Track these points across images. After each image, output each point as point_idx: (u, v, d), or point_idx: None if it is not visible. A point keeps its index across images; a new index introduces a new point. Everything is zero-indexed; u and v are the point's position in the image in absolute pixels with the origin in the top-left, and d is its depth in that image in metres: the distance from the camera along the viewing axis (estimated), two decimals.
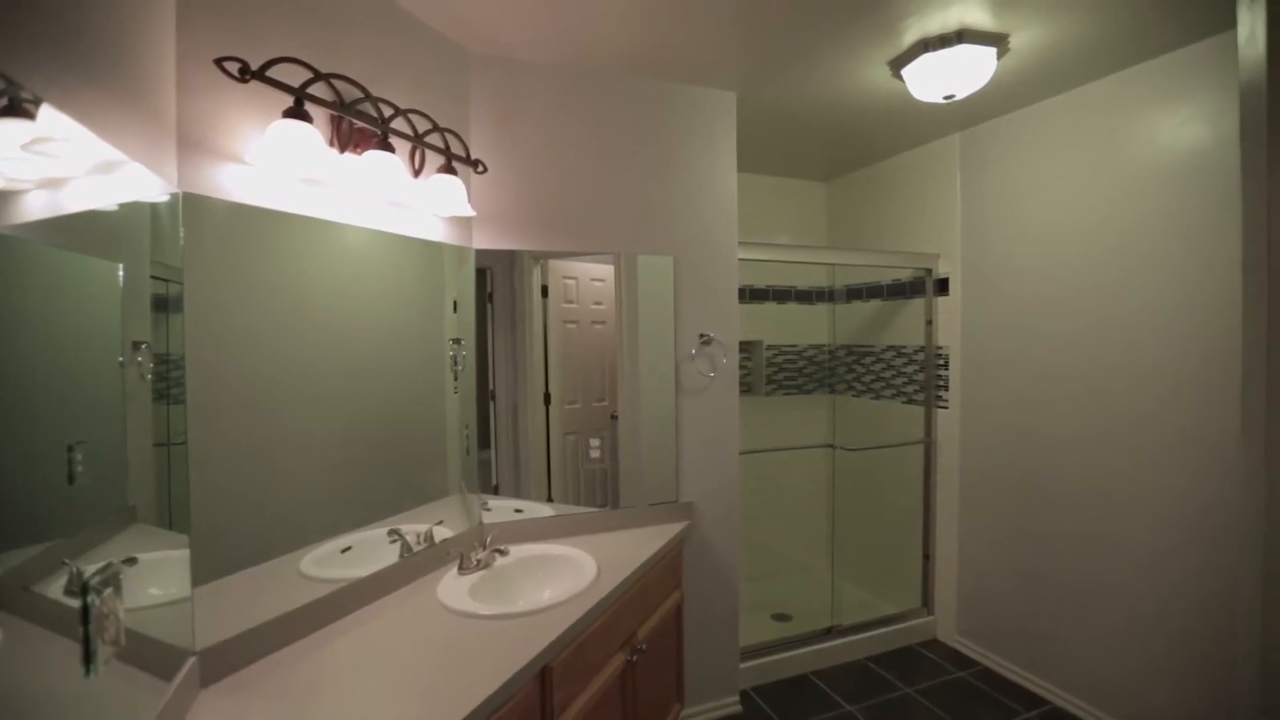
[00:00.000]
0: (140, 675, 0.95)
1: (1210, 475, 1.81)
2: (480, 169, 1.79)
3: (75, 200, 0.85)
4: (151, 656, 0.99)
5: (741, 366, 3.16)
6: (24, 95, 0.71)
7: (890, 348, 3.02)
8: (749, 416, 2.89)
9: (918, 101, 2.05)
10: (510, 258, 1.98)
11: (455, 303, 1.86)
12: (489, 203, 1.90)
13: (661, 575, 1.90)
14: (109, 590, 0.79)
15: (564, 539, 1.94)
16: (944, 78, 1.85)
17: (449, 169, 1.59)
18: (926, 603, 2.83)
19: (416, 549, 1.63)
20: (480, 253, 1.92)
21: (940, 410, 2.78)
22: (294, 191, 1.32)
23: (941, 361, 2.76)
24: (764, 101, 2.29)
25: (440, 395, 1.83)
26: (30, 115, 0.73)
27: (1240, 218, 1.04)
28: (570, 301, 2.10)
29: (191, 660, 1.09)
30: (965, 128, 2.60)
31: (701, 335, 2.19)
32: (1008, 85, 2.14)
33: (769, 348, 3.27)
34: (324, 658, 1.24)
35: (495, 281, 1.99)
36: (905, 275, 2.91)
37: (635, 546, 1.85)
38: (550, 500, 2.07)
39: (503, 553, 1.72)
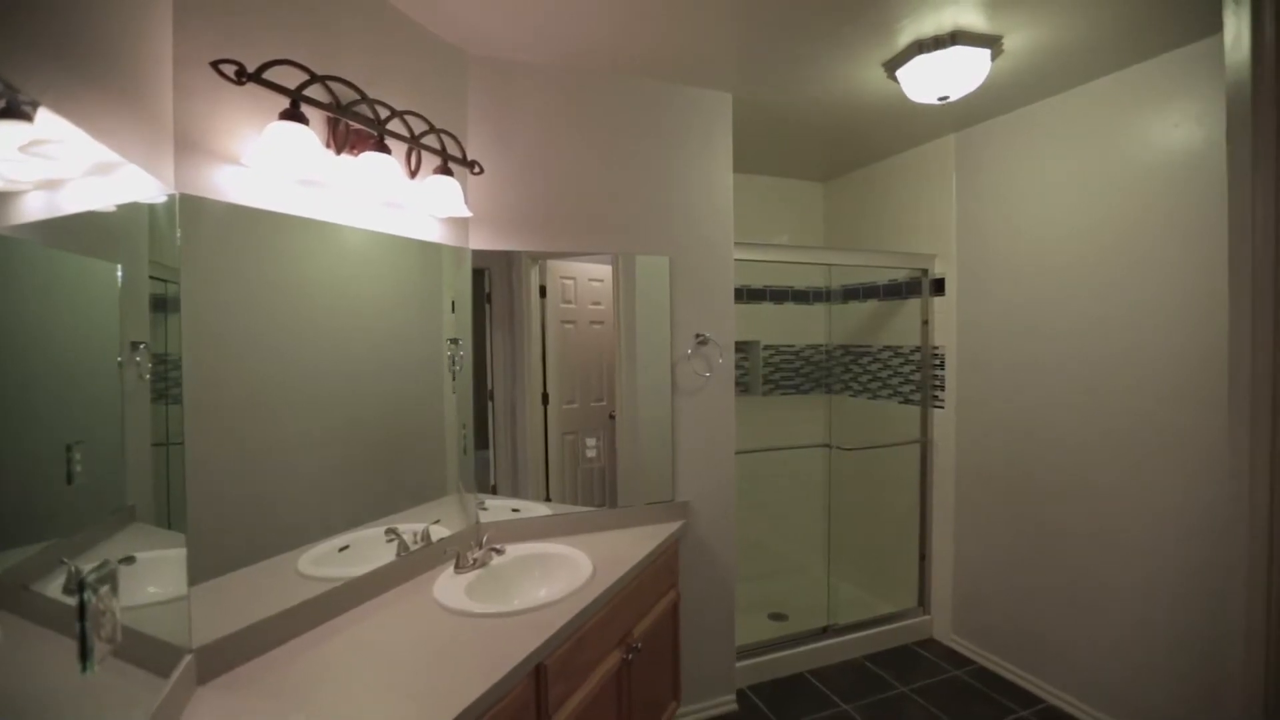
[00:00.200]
0: (138, 673, 0.96)
1: (1209, 474, 1.81)
2: (477, 170, 1.80)
3: (73, 201, 0.86)
4: (149, 654, 1.00)
5: (738, 367, 3.17)
6: (21, 98, 0.72)
7: (887, 348, 3.03)
8: (746, 416, 2.89)
9: (913, 103, 2.06)
10: (508, 258, 1.99)
11: (453, 303, 1.87)
12: (486, 203, 1.91)
13: (657, 574, 1.91)
14: (105, 588, 0.80)
15: (560, 538, 1.95)
16: (938, 79, 1.86)
17: (445, 170, 1.60)
18: (923, 602, 2.84)
19: (413, 548, 1.64)
20: (478, 253, 1.93)
21: (936, 410, 2.79)
22: (291, 193, 1.33)
23: (937, 361, 2.78)
24: (760, 102, 2.30)
25: (438, 395, 1.84)
26: (28, 117, 0.74)
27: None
28: (568, 301, 2.11)
29: (188, 658, 1.10)
30: (961, 128, 2.62)
31: (697, 335, 2.20)
32: (1002, 87, 2.15)
33: (766, 348, 3.28)
34: (320, 655, 1.25)
35: (493, 282, 2.00)
36: (901, 275, 2.92)
37: (631, 545, 1.86)
38: (548, 500, 2.08)
39: (499, 552, 1.73)
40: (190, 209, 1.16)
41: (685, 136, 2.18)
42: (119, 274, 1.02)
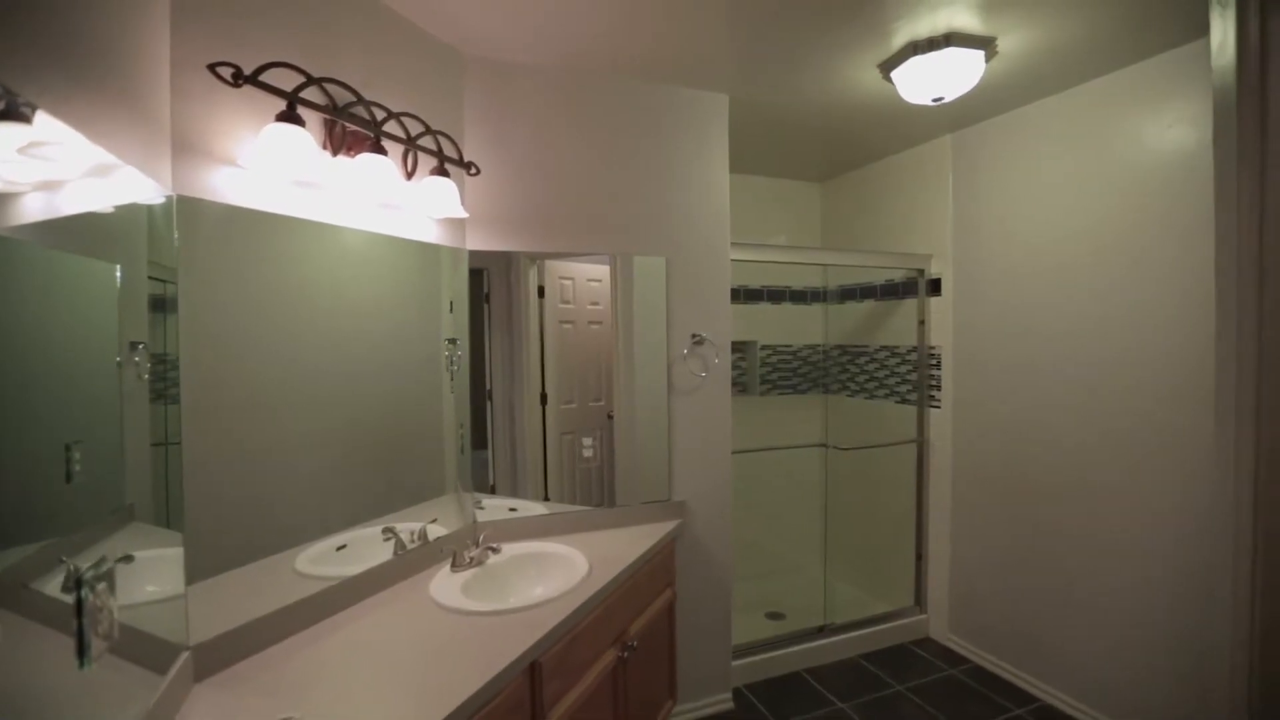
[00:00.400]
0: (136, 670, 0.97)
1: (1208, 475, 1.81)
2: (473, 171, 1.81)
3: (72, 202, 0.87)
4: (147, 651, 1.01)
5: (736, 367, 3.18)
6: (20, 101, 0.73)
7: (884, 348, 3.04)
8: (743, 416, 2.90)
9: (908, 103, 2.07)
10: (507, 258, 2.00)
11: (451, 303, 1.88)
12: (483, 204, 1.92)
13: (653, 573, 1.92)
14: (102, 585, 0.81)
15: (557, 537, 1.96)
16: (933, 80, 1.87)
17: (442, 171, 1.61)
18: (919, 601, 2.85)
19: (410, 547, 1.65)
20: (477, 254, 1.94)
21: (933, 410, 2.80)
22: (288, 194, 1.34)
23: (934, 361, 2.78)
24: (757, 103, 2.31)
25: (437, 395, 1.85)
26: (27, 119, 0.75)
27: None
28: (566, 302, 2.12)
29: (185, 655, 1.11)
30: (956, 129, 2.62)
31: (694, 335, 2.21)
32: (997, 88, 2.16)
33: (764, 348, 3.29)
34: (317, 653, 1.26)
35: (492, 282, 2.00)
36: (898, 276, 2.93)
37: (627, 545, 1.87)
38: (547, 500, 2.09)
39: (495, 550, 1.74)
40: (187, 210, 1.17)
41: (682, 137, 2.19)
42: (118, 274, 1.03)
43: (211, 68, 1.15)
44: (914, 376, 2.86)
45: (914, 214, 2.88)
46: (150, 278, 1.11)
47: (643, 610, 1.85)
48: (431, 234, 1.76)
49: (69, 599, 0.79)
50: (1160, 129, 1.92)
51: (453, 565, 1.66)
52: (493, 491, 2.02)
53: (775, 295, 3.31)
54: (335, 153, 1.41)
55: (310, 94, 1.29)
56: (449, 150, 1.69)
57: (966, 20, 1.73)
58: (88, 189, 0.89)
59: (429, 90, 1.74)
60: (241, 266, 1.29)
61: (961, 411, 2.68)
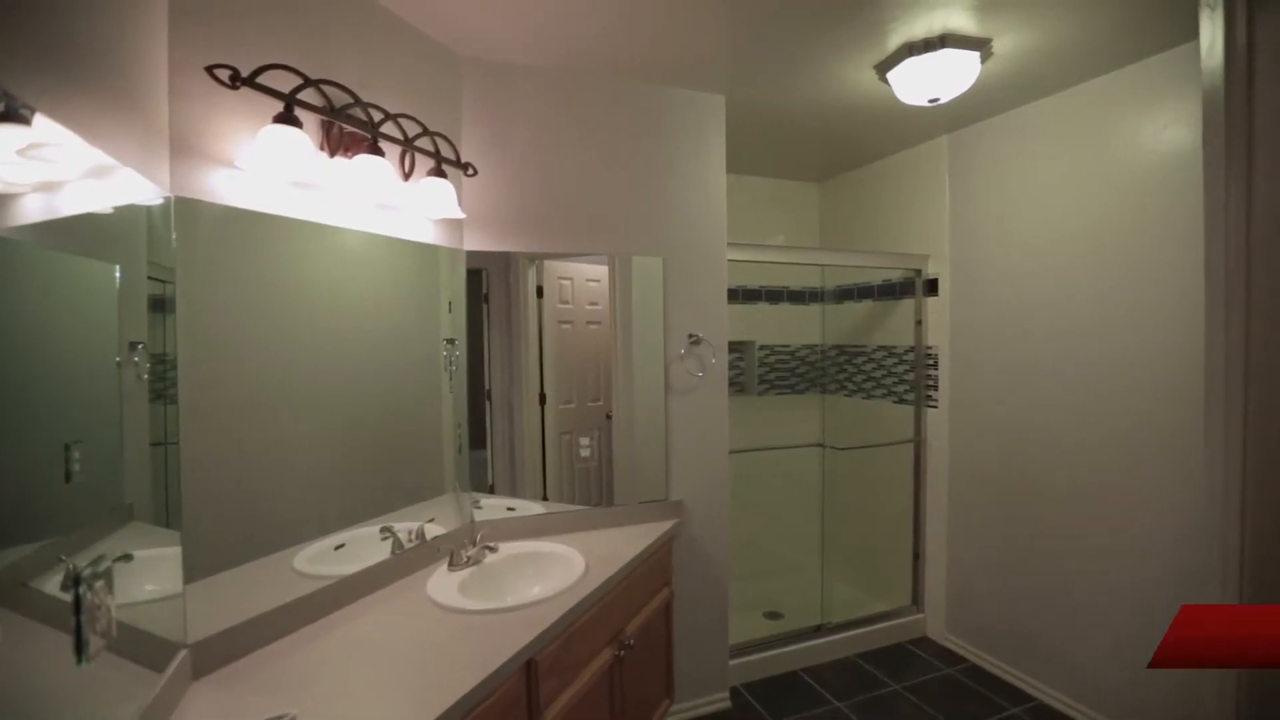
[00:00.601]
0: (134, 668, 0.98)
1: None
2: (470, 172, 1.81)
3: (71, 203, 0.87)
4: (145, 649, 1.02)
5: (734, 367, 3.19)
6: (19, 103, 0.74)
7: (881, 348, 3.05)
8: (741, 416, 2.91)
9: (905, 104, 2.08)
10: (505, 259, 2.01)
11: (450, 303, 1.88)
12: (481, 205, 1.92)
13: (650, 572, 1.93)
14: (100, 583, 0.82)
15: (554, 536, 1.97)
16: (928, 81, 1.87)
17: (439, 172, 1.62)
18: (916, 600, 2.86)
19: (408, 546, 1.66)
20: (476, 254, 1.94)
21: (930, 410, 2.81)
22: (285, 195, 1.35)
23: (931, 361, 2.79)
24: (754, 104, 2.32)
25: (436, 395, 1.85)
26: (26, 121, 0.76)
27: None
28: (565, 302, 2.13)
29: (183, 653, 1.12)
30: (953, 130, 2.63)
31: (690, 335, 2.22)
32: (993, 89, 2.17)
33: (762, 348, 3.30)
34: (314, 651, 1.27)
35: (491, 282, 2.01)
36: (895, 276, 2.94)
37: (624, 544, 1.88)
38: (545, 499, 2.09)
39: (492, 549, 1.75)
40: (185, 211, 1.17)
41: (679, 138, 2.20)
42: (117, 275, 1.04)
43: (209, 70, 1.15)
44: (911, 376, 2.86)
45: (911, 214, 2.88)
46: (150, 278, 1.12)
47: (639, 609, 1.85)
48: (429, 234, 1.77)
49: (68, 597, 0.80)
50: (1157, 129, 1.93)
51: (450, 564, 1.67)
52: (491, 491, 2.03)
53: (773, 295, 3.32)
54: (333, 154, 1.42)
55: (308, 95, 1.30)
56: (446, 151, 1.70)
57: (961, 21, 1.74)
58: (87, 190, 0.90)
59: (426, 91, 1.75)
60: (240, 267, 1.30)
61: (958, 411, 2.68)
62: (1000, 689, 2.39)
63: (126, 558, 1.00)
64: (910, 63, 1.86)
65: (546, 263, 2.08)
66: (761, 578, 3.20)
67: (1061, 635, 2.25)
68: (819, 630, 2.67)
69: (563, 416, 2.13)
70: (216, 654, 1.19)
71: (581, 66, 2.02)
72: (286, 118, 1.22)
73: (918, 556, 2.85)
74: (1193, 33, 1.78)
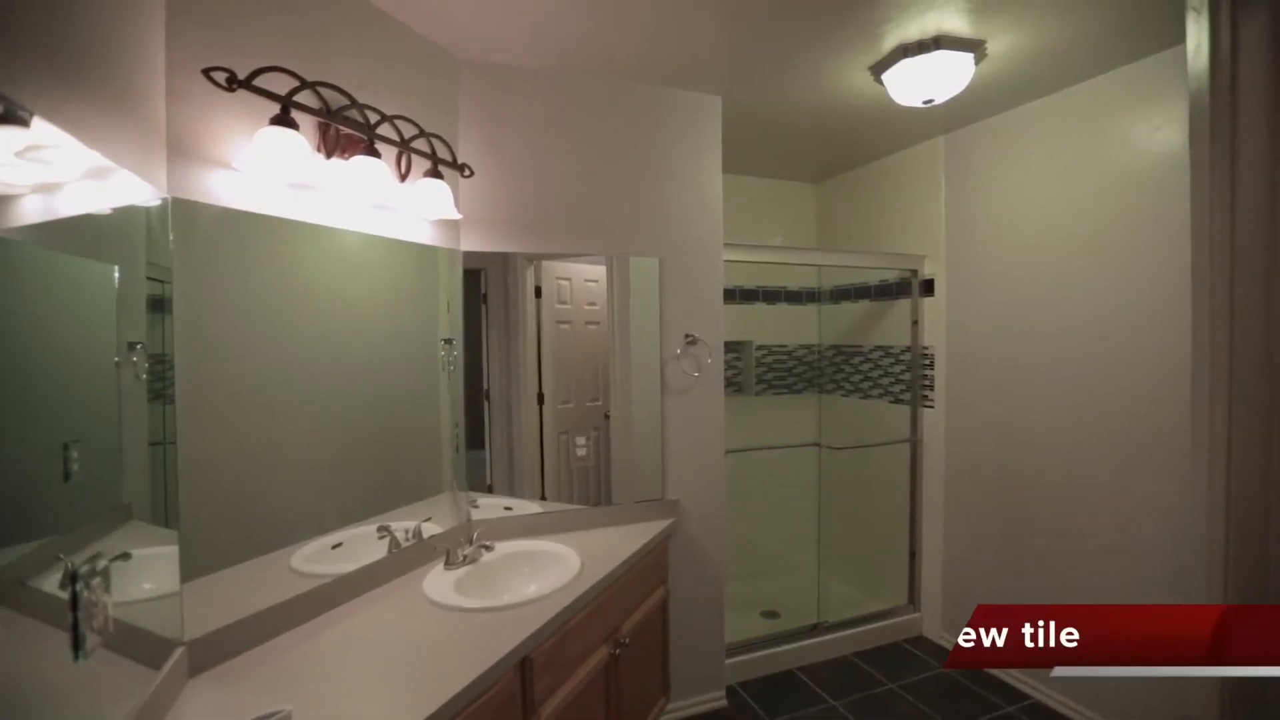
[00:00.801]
0: (131, 665, 0.99)
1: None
2: (467, 173, 1.82)
3: (70, 205, 0.88)
4: (142, 647, 1.03)
5: (732, 367, 3.20)
6: (16, 106, 0.75)
7: (878, 348, 3.05)
8: (738, 416, 2.92)
9: (900, 105, 2.08)
10: (504, 259, 2.02)
11: (448, 304, 1.89)
12: (477, 205, 1.93)
13: (646, 571, 1.94)
14: (97, 580, 0.83)
15: (551, 535, 1.98)
16: (923, 83, 1.88)
17: (435, 173, 1.63)
18: (913, 599, 2.87)
19: (405, 545, 1.67)
20: (475, 254, 1.95)
21: (926, 409, 2.81)
22: (282, 196, 1.36)
23: (927, 361, 2.80)
24: (750, 105, 2.33)
25: (434, 395, 1.86)
26: (24, 123, 0.77)
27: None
28: (564, 302, 2.14)
29: (179, 650, 1.13)
30: (949, 131, 2.64)
31: (687, 335, 2.22)
32: (987, 90, 2.17)
33: (759, 348, 3.31)
34: (311, 648, 1.28)
35: (489, 282, 2.02)
36: (892, 276, 2.95)
37: (620, 543, 1.89)
38: (543, 499, 2.10)
39: (488, 548, 1.76)
40: (183, 212, 1.18)
41: (675, 139, 2.21)
42: (116, 275, 1.05)
43: (206, 72, 1.16)
44: (907, 376, 2.87)
45: (908, 215, 2.89)
46: (149, 278, 1.13)
47: (635, 608, 1.86)
48: (426, 235, 1.78)
49: (66, 595, 0.81)
50: (1150, 130, 1.93)
51: (446, 563, 1.68)
52: (490, 491, 2.04)
53: (771, 295, 3.33)
54: (329, 155, 1.43)
55: (304, 97, 1.31)
56: (442, 152, 1.71)
57: (955, 23, 1.75)
58: (85, 191, 0.91)
59: (423, 93, 1.76)
60: (238, 267, 1.31)
61: (954, 411, 2.69)
62: (996, 688, 2.40)
63: (124, 556, 1.01)
64: (905, 64, 1.87)
65: (545, 263, 2.09)
66: (758, 577, 3.20)
67: None
68: (815, 629, 2.68)
69: (561, 416, 2.14)
70: (213, 651, 1.20)
71: (578, 67, 2.03)
72: (283, 120, 1.23)
73: (914, 556, 2.86)
74: (1181, 35, 1.79)
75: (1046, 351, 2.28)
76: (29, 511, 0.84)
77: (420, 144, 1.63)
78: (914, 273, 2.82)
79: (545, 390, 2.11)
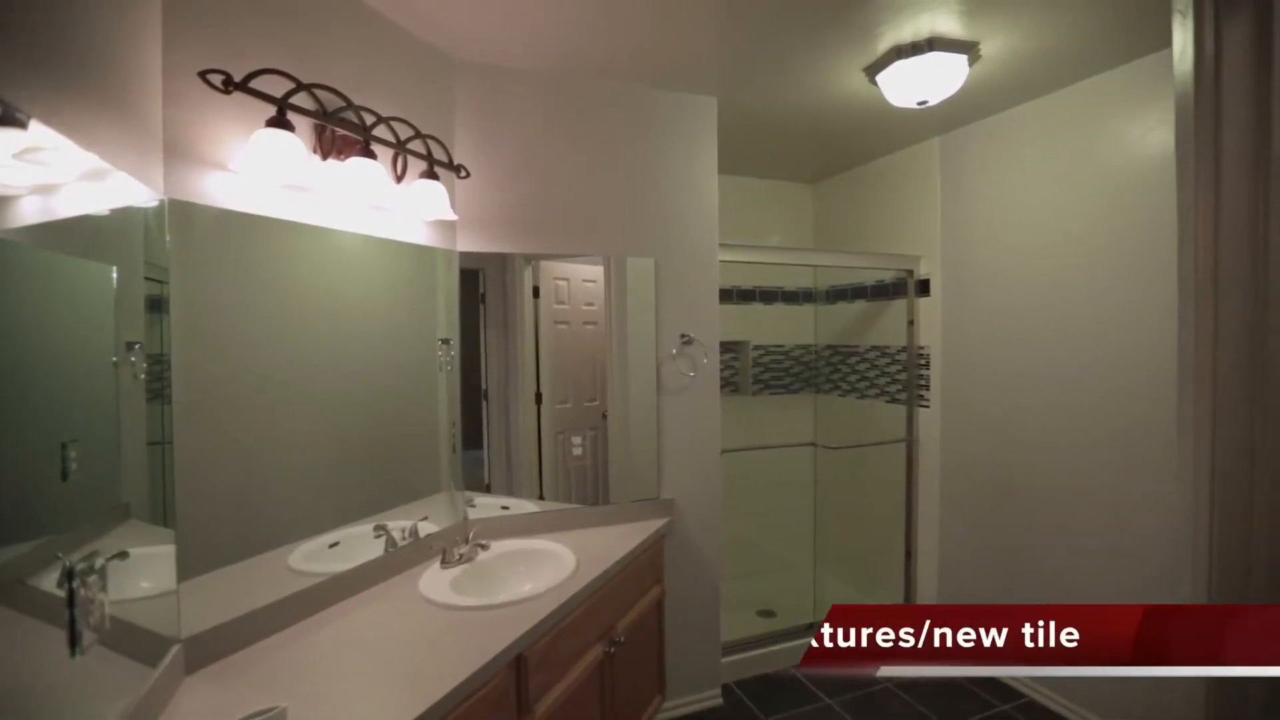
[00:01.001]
0: (128, 662, 1.00)
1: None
2: (463, 174, 1.83)
3: (68, 206, 0.89)
4: (139, 645, 1.04)
5: (729, 366, 3.21)
6: (12, 109, 0.76)
7: (874, 348, 3.06)
8: (735, 416, 2.93)
9: (895, 107, 2.09)
10: (502, 259, 2.03)
11: (445, 304, 1.90)
12: (474, 206, 1.94)
13: (641, 570, 1.95)
14: (93, 577, 0.84)
15: (547, 534, 1.99)
16: (917, 84, 1.89)
17: (431, 174, 1.64)
18: (909, 599, 2.87)
19: (401, 544, 1.68)
20: (472, 255, 1.96)
21: (922, 409, 2.82)
22: (279, 197, 1.37)
23: (923, 361, 2.81)
24: (746, 106, 2.34)
25: (432, 395, 1.87)
26: (22, 125, 0.78)
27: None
28: (562, 302, 2.15)
29: (176, 648, 1.14)
30: (944, 132, 2.65)
31: (682, 335, 2.23)
32: (981, 91, 2.18)
33: (756, 348, 3.32)
34: (307, 646, 1.29)
35: (487, 282, 2.03)
36: (888, 276, 2.96)
37: (616, 542, 1.90)
38: (541, 498, 2.11)
39: (484, 547, 1.77)
40: (179, 214, 1.19)
41: (671, 140, 2.22)
42: (114, 276, 1.06)
43: (202, 75, 1.17)
44: (903, 376, 2.88)
45: (904, 216, 2.90)
46: (147, 279, 1.14)
47: (631, 606, 1.87)
48: (422, 236, 1.79)
49: (63, 594, 0.82)
50: (1143, 131, 1.94)
51: (443, 562, 1.69)
52: (488, 490, 2.05)
53: (767, 296, 3.34)
54: (325, 157, 1.44)
55: (300, 100, 1.32)
56: (438, 153, 1.72)
57: (949, 25, 1.76)
58: (82, 193, 0.92)
59: (419, 94, 1.77)
60: (235, 268, 1.32)
61: (949, 411, 2.70)
62: (991, 686, 2.41)
63: (122, 555, 1.01)
64: (899, 65, 1.88)
65: (543, 263, 2.10)
66: (755, 576, 3.21)
67: None
68: (811, 628, 2.69)
69: (559, 416, 2.15)
70: (210, 648, 1.21)
71: (574, 69, 2.03)
72: (279, 121, 1.24)
73: (909, 555, 2.87)
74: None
75: (1042, 352, 2.28)
76: (28, 511, 0.84)
77: (416, 145, 1.64)
78: (910, 273, 2.83)
79: (543, 390, 2.12)
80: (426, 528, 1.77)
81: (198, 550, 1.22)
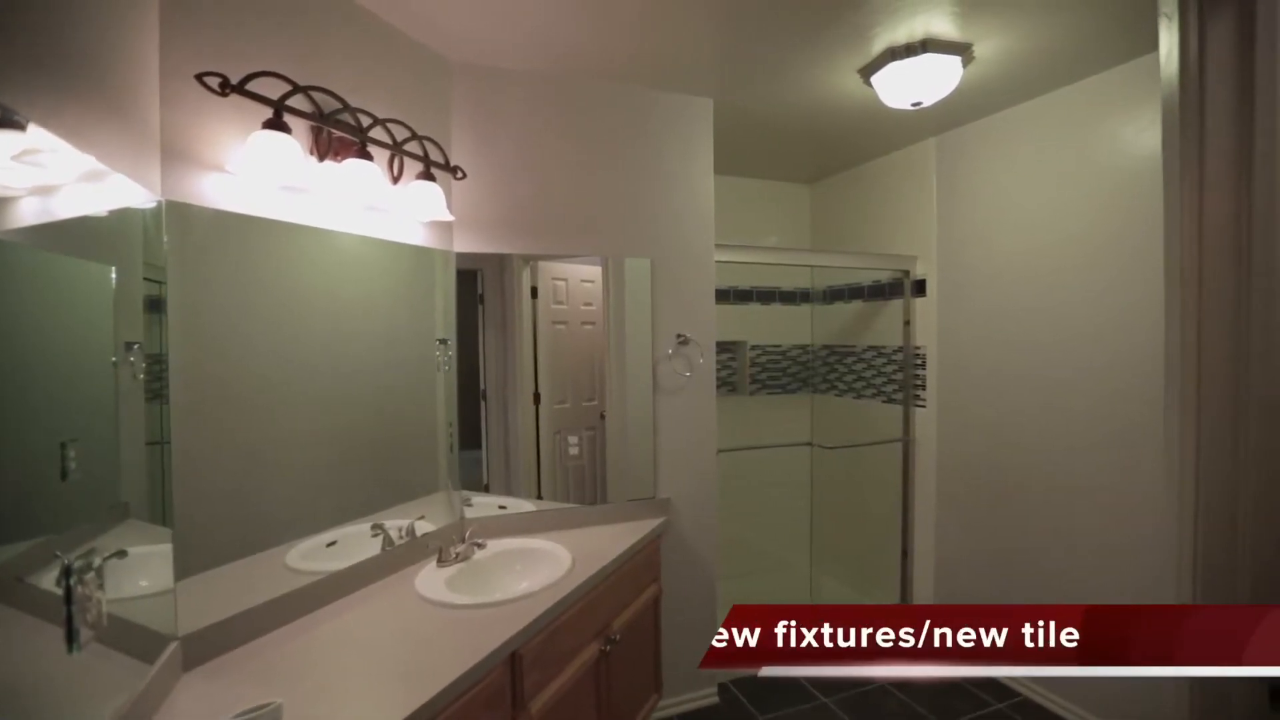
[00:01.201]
0: (126, 660, 1.01)
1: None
2: (460, 175, 1.84)
3: (66, 207, 0.90)
4: (137, 642, 1.05)
5: (726, 367, 3.22)
6: (10, 113, 0.77)
7: (871, 348, 3.07)
8: (733, 415, 2.94)
9: (890, 108, 2.10)
10: (500, 260, 2.04)
11: (442, 305, 1.91)
12: (471, 207, 1.95)
13: (637, 569, 1.96)
14: (90, 575, 0.85)
15: (543, 534, 2.00)
16: (911, 85, 1.90)
17: (427, 175, 1.65)
18: (905, 598, 2.88)
19: (398, 543, 1.69)
20: (471, 255, 1.97)
21: (918, 409, 2.83)
22: (276, 199, 1.38)
23: (919, 361, 2.82)
24: (743, 108, 2.35)
25: (430, 395, 1.88)
26: (21, 127, 0.79)
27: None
28: (560, 302, 2.16)
29: (173, 645, 1.15)
30: (940, 133, 2.66)
31: (679, 336, 2.25)
32: (976, 93, 2.19)
33: (753, 348, 3.32)
34: (304, 643, 1.30)
35: (486, 283, 2.04)
36: (884, 277, 2.97)
37: (612, 541, 1.91)
38: (539, 498, 2.12)
39: (480, 546, 1.78)
40: (177, 215, 1.20)
41: (667, 141, 2.23)
42: (113, 276, 1.07)
43: (199, 78, 1.18)
44: (900, 376, 2.89)
45: (900, 216, 2.91)
46: (146, 279, 1.15)
47: (627, 605, 1.88)
48: (419, 237, 1.80)
49: (61, 592, 0.83)
50: (1136, 132, 1.95)
51: (439, 561, 1.70)
52: (486, 490, 2.05)
53: (765, 296, 3.35)
54: (322, 158, 1.45)
55: (297, 101, 1.33)
56: (435, 155, 1.73)
57: (942, 27, 1.77)
58: (81, 194, 0.93)
59: (416, 96, 1.78)
60: (234, 269, 1.33)
61: (945, 411, 2.71)
62: (986, 685, 2.42)
63: (121, 554, 1.02)
64: (893, 67, 1.89)
65: (541, 264, 2.10)
66: (752, 575, 3.22)
67: None
68: None
69: (557, 416, 2.16)
70: (208, 646, 1.22)
71: (570, 70, 2.04)
72: (275, 123, 1.25)
73: (906, 555, 2.87)
74: None
75: (1039, 354, 2.28)
76: (27, 510, 0.85)
77: (413, 146, 1.65)
78: (906, 273, 2.84)
79: (541, 390, 2.13)
80: (423, 527, 1.78)
81: (196, 549, 1.23)
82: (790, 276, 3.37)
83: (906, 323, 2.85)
